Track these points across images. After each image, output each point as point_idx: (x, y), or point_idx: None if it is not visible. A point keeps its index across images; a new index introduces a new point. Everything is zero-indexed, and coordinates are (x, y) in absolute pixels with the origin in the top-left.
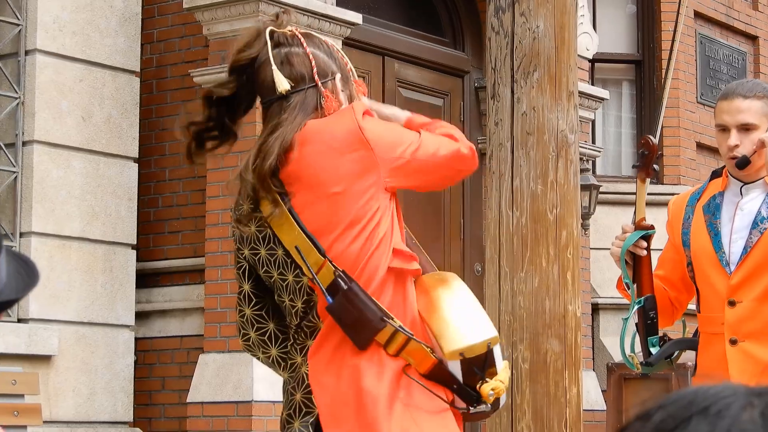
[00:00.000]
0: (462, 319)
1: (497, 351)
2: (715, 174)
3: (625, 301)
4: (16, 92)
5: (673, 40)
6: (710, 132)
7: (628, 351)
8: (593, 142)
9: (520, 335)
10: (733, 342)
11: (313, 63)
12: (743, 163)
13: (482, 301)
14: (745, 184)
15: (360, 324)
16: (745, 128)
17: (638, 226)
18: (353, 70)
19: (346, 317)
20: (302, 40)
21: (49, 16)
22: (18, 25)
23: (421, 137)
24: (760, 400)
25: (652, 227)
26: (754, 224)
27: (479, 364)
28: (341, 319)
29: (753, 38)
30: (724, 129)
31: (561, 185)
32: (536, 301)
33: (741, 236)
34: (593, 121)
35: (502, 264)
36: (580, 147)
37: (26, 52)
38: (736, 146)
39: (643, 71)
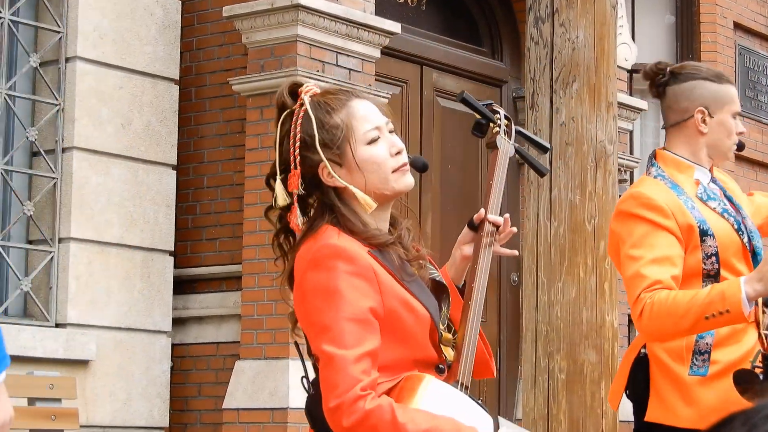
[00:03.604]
0: None
1: None
2: (655, 163)
3: None
4: (57, 99)
5: None
6: (749, 144)
7: None
8: (631, 153)
9: (557, 345)
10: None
11: None
12: (743, 145)
13: (519, 311)
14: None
15: None
16: None
17: None
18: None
19: None
20: None
21: (90, 23)
22: (59, 32)
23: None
24: None
25: None
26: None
27: None
28: None
29: None
30: (737, 115)
31: (599, 196)
32: (573, 312)
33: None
34: (631, 132)
35: (540, 274)
36: (619, 158)
37: (67, 60)
38: None
39: None
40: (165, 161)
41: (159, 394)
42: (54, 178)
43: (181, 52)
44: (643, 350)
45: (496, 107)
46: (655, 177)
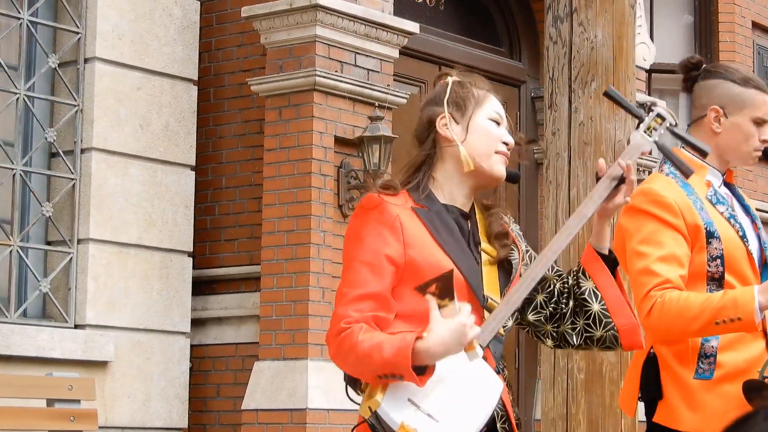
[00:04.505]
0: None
1: (385, 414)
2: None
3: None
4: (75, 100)
5: None
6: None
7: None
8: (650, 152)
9: None
10: None
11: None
12: None
13: None
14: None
15: None
16: None
17: None
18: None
19: None
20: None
21: (108, 24)
22: (77, 33)
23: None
24: None
25: None
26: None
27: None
28: None
29: None
30: (762, 123)
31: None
32: None
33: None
34: None
35: None
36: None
37: (85, 60)
38: None
39: None
40: (183, 162)
41: (178, 395)
42: (73, 179)
43: (199, 53)
44: (652, 350)
45: (656, 107)
46: (666, 175)
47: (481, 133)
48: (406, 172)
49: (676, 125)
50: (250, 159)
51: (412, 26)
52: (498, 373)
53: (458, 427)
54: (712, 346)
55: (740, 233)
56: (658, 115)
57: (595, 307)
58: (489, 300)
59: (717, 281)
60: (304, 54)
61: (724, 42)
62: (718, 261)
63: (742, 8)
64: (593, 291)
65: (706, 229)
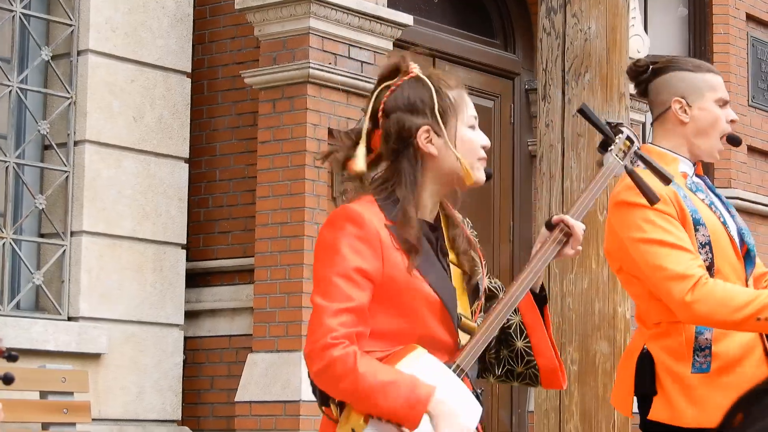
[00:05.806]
0: None
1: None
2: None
3: None
4: (69, 92)
5: None
6: (762, 135)
7: None
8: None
9: (569, 337)
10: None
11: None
12: (739, 140)
13: None
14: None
15: None
16: None
17: None
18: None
19: None
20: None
21: (102, 16)
22: (70, 25)
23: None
24: None
25: None
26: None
27: None
28: None
29: None
30: (724, 104)
31: (611, 187)
32: (585, 303)
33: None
34: (643, 124)
35: (552, 265)
36: None
37: (78, 53)
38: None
39: None
40: (177, 154)
41: (171, 388)
42: (66, 172)
43: (193, 45)
44: (645, 348)
45: (623, 128)
46: (644, 168)
47: (465, 145)
48: (383, 189)
49: (639, 148)
50: (244, 151)
51: (406, 18)
52: (476, 398)
53: None
54: (706, 339)
55: (721, 219)
56: (628, 138)
57: (519, 344)
58: (462, 319)
59: (707, 271)
60: (298, 46)
61: (718, 34)
62: (707, 248)
63: (737, 0)
64: (519, 326)
65: (692, 216)
